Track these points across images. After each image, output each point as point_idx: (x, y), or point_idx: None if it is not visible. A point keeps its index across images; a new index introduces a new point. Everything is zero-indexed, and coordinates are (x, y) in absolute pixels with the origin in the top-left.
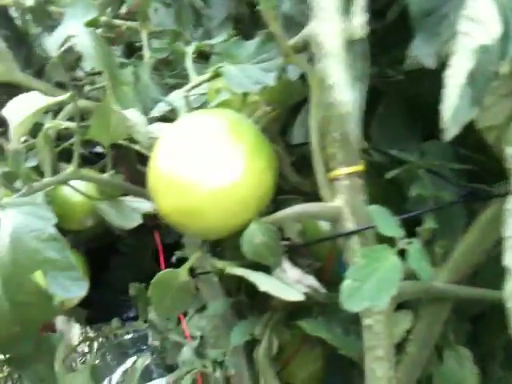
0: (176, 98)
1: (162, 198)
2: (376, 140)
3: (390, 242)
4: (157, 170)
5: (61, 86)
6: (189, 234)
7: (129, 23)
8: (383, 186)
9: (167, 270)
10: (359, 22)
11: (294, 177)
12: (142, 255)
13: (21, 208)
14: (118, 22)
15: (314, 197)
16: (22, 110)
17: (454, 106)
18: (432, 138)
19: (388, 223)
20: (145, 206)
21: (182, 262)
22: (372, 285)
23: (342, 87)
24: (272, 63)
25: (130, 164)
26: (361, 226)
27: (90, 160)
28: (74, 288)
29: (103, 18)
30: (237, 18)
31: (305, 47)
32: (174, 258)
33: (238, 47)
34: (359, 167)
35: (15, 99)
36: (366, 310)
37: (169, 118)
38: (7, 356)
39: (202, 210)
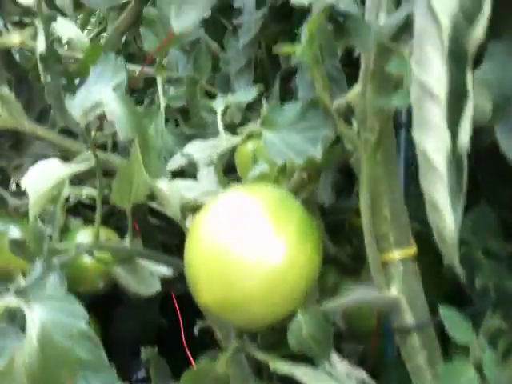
0: (194, 150)
1: (204, 289)
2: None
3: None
4: (197, 258)
5: (65, 131)
6: (231, 325)
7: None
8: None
9: (203, 362)
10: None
11: (331, 247)
12: (148, 307)
13: (49, 302)
14: (132, 66)
15: (350, 266)
16: (41, 181)
17: None
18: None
19: (460, 328)
20: (162, 269)
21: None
22: None
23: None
24: (317, 133)
25: (142, 216)
26: (420, 320)
27: None
28: None
29: None
30: (255, 60)
31: (349, 110)
32: (196, 330)
33: (275, 112)
34: (413, 249)
35: (33, 169)
36: None
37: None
38: None
39: (250, 302)
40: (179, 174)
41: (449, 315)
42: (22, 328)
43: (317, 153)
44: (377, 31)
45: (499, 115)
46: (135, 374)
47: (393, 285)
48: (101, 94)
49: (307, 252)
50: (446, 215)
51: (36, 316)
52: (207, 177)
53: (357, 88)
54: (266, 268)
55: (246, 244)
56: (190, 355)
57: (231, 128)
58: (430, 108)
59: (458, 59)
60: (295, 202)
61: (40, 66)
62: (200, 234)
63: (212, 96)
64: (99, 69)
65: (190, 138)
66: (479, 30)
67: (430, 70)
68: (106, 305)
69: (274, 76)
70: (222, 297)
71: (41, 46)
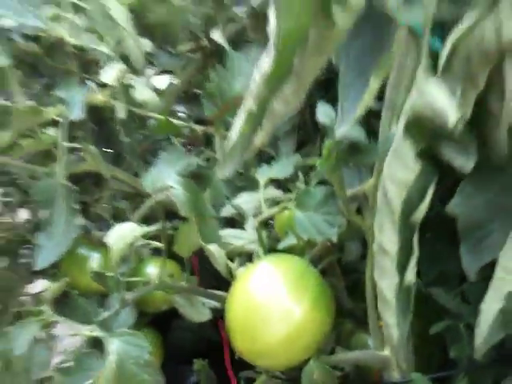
0: (242, 201)
1: (238, 340)
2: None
3: None
4: (234, 315)
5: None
6: (258, 366)
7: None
8: None
9: None
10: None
11: (349, 303)
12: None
13: (123, 338)
14: (194, 126)
15: (364, 320)
16: (120, 238)
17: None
18: None
19: None
20: (212, 302)
21: None
22: None
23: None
24: (335, 218)
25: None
26: (404, 377)
27: None
28: None
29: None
30: (299, 124)
31: (364, 198)
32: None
33: (306, 195)
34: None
35: (115, 228)
36: None
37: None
38: None
39: (271, 353)
40: (231, 220)
41: (418, 379)
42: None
43: (333, 235)
44: (387, 138)
45: (465, 237)
46: (189, 379)
47: (387, 347)
48: (167, 178)
49: (320, 315)
50: (392, 331)
51: (114, 347)
52: (253, 227)
53: (371, 180)
54: (285, 328)
55: (270, 308)
56: (230, 369)
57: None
58: (384, 259)
59: (409, 227)
60: (314, 272)
61: (120, 128)
62: (236, 297)
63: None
64: (167, 154)
65: (240, 190)
66: (423, 207)
67: (385, 234)
68: (167, 317)
69: (315, 136)
70: (250, 347)
71: (120, 111)
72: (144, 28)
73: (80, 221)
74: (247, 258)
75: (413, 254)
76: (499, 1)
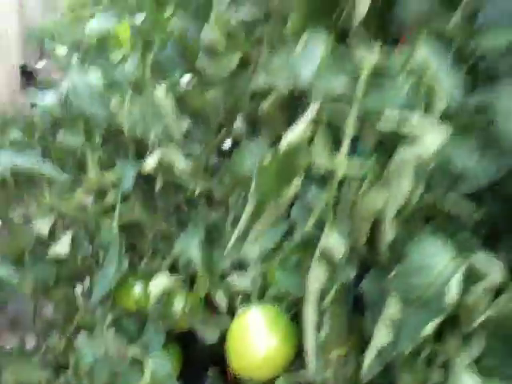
0: (248, 251)
1: (232, 360)
2: None
3: None
4: (231, 341)
5: None
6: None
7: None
8: None
9: None
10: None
11: None
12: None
13: (155, 359)
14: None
15: None
16: (158, 285)
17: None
18: None
19: None
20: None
21: None
22: None
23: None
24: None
25: None
26: None
27: None
28: None
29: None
30: None
31: None
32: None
33: (285, 260)
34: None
35: (155, 279)
36: None
37: None
38: None
39: (253, 370)
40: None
41: None
42: None
43: (300, 292)
44: None
45: (368, 306)
46: (205, 382)
47: (328, 371)
48: (190, 245)
49: (286, 347)
50: (311, 359)
51: (149, 364)
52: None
53: None
54: (262, 353)
55: (254, 340)
56: (231, 376)
57: None
58: (308, 324)
59: (321, 308)
60: (284, 317)
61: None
62: (233, 330)
63: None
64: (192, 227)
65: None
66: (329, 299)
67: (308, 310)
68: (192, 333)
69: None
70: (240, 365)
71: (158, 184)
72: (183, 109)
73: (127, 262)
74: (247, 296)
75: (323, 326)
76: (373, 183)
